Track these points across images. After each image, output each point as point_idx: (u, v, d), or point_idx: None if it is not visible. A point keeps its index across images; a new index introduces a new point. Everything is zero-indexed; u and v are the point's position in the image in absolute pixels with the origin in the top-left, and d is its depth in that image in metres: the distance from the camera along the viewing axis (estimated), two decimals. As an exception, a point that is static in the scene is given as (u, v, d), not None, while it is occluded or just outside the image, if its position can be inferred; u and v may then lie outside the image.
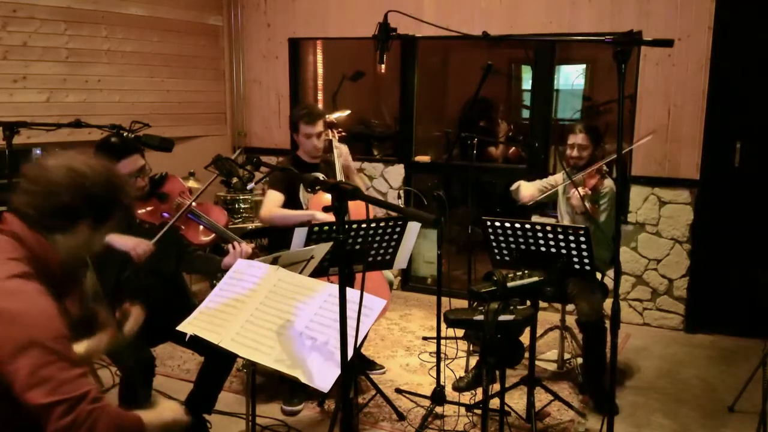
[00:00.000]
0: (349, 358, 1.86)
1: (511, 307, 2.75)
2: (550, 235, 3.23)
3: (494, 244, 3.41)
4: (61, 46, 4.54)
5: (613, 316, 2.38)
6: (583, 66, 7.25)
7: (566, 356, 4.08)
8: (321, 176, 3.54)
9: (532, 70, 5.31)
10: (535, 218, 4.79)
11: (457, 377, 3.87)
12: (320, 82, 6.22)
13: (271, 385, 3.72)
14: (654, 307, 4.88)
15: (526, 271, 2.92)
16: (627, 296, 4.92)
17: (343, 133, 4.06)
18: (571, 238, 3.19)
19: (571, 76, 7.23)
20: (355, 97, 6.53)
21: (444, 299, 3.43)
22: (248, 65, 5.97)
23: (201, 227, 3.09)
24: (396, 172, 5.59)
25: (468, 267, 4.06)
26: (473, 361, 3.97)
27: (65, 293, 1.68)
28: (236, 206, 5.01)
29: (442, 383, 3.47)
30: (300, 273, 2.47)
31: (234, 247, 2.93)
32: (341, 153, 3.86)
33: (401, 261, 3.40)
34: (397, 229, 3.26)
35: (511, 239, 3.34)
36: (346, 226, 3.06)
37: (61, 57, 4.55)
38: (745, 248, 4.57)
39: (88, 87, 4.74)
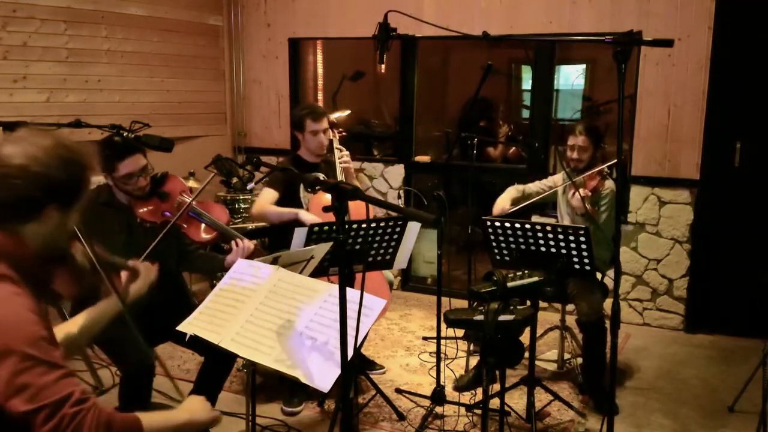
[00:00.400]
0: (349, 358, 1.86)
1: (511, 307, 2.75)
2: (550, 235, 3.23)
3: (494, 244, 3.41)
4: (61, 46, 4.54)
5: (613, 316, 2.38)
6: (583, 66, 7.25)
7: (566, 356, 4.08)
8: (321, 176, 3.54)
9: (532, 70, 5.32)
10: (535, 218, 4.79)
11: (457, 376, 3.88)
12: (320, 82, 6.22)
13: (271, 385, 3.72)
14: (654, 307, 4.88)
15: (526, 271, 2.92)
16: (627, 296, 4.92)
17: (344, 133, 4.06)
18: (571, 238, 3.19)
19: (571, 76, 7.23)
20: (355, 97, 6.53)
21: (444, 299, 3.43)
22: (248, 65, 5.97)
23: (202, 225, 3.09)
24: (396, 172, 5.59)
25: (468, 267, 4.06)
26: (473, 361, 3.97)
27: (49, 279, 1.64)
28: (236, 206, 5.01)
29: (442, 383, 3.47)
30: (300, 273, 2.47)
31: (237, 245, 2.93)
32: (342, 155, 3.86)
33: (401, 261, 3.40)
34: (397, 229, 3.26)
35: (511, 239, 3.34)
36: (346, 226, 3.06)
37: (61, 57, 4.55)
38: (745, 248, 4.57)
39: (88, 87, 4.74)
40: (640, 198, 4.79)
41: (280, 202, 3.69)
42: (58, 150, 1.54)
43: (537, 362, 3.84)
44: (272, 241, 3.92)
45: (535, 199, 3.97)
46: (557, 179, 4.05)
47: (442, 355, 3.55)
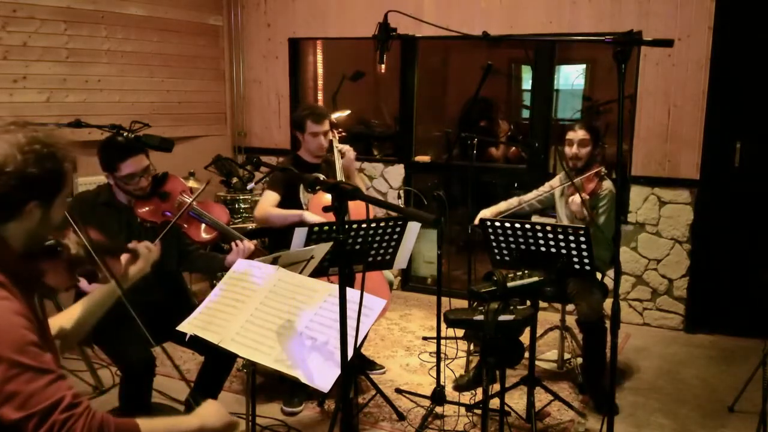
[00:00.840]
0: (349, 358, 1.86)
1: (511, 307, 2.75)
2: (550, 235, 3.23)
3: (494, 244, 3.41)
4: (61, 46, 4.54)
5: (613, 316, 2.38)
6: (583, 66, 7.25)
7: (566, 356, 4.08)
8: (321, 176, 3.54)
9: (532, 70, 5.32)
10: (535, 218, 4.78)
11: (457, 376, 3.88)
12: (320, 82, 6.22)
13: (271, 385, 3.72)
14: (654, 307, 4.88)
15: (526, 271, 2.92)
16: (627, 296, 4.92)
17: (344, 133, 4.06)
18: (571, 238, 3.19)
19: (571, 76, 7.24)
20: (355, 97, 6.53)
21: (444, 299, 3.43)
22: (248, 65, 5.97)
23: (203, 225, 3.09)
24: (396, 172, 5.59)
25: (468, 267, 4.06)
26: (473, 361, 3.97)
27: (38, 274, 1.61)
28: (236, 206, 5.00)
29: (442, 383, 3.47)
30: (300, 273, 2.47)
31: (236, 245, 2.93)
32: (344, 153, 3.85)
33: (401, 261, 3.40)
34: (397, 229, 3.26)
35: (511, 239, 3.34)
36: (346, 226, 3.06)
37: (61, 57, 4.55)
38: (745, 248, 4.57)
39: (88, 87, 4.74)
40: (640, 198, 4.79)
41: (281, 203, 3.69)
42: (32, 146, 1.50)
43: (537, 362, 3.85)
44: (272, 241, 3.91)
45: (532, 200, 3.97)
46: (554, 182, 4.04)
47: (442, 355, 3.55)
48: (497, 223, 3.35)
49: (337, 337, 1.88)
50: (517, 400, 3.56)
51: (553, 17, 4.83)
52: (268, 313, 2.12)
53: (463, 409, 3.45)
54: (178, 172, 3.46)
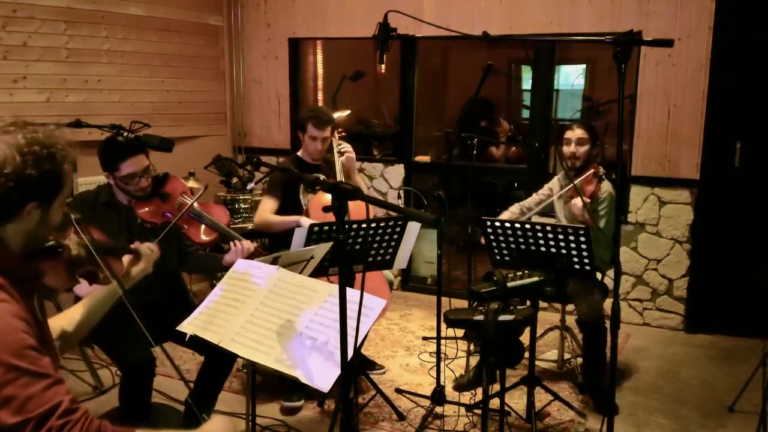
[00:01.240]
0: (349, 358, 1.86)
1: (511, 307, 2.75)
2: (550, 235, 3.23)
3: (494, 244, 3.41)
4: (61, 46, 4.54)
5: (613, 316, 2.38)
6: (583, 66, 7.25)
7: (566, 356, 4.08)
8: (321, 176, 3.54)
9: (532, 70, 5.32)
10: (534, 218, 4.78)
11: (457, 375, 3.88)
12: (320, 82, 6.22)
13: (271, 385, 3.72)
14: (654, 307, 4.88)
15: (526, 271, 2.92)
16: (627, 296, 4.92)
17: (343, 133, 4.06)
18: (571, 238, 3.19)
19: (571, 76, 7.24)
20: (355, 97, 6.53)
21: (444, 299, 3.43)
22: (248, 65, 5.97)
23: (203, 226, 3.08)
24: (396, 172, 5.59)
25: (468, 267, 4.06)
26: (473, 361, 3.97)
27: (38, 275, 1.61)
28: (236, 206, 5.01)
29: (442, 383, 3.47)
30: (300, 273, 2.47)
31: (236, 245, 2.93)
32: (344, 153, 3.85)
33: (401, 261, 3.40)
34: (397, 229, 3.26)
35: (511, 239, 3.34)
36: (346, 226, 3.06)
37: (61, 57, 4.55)
38: (745, 248, 4.57)
39: (88, 87, 4.74)
40: (640, 198, 4.79)
41: (280, 206, 3.69)
42: (31, 147, 1.49)
43: (537, 362, 3.85)
44: (272, 242, 3.92)
45: (536, 210, 3.98)
46: (554, 184, 4.04)
47: (442, 355, 3.55)
48: (497, 223, 3.35)
49: (337, 337, 1.88)
50: (517, 400, 3.56)
51: (553, 17, 4.83)
52: (268, 313, 2.12)
53: (463, 409, 3.45)
54: (178, 172, 3.47)
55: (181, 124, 5.47)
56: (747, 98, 4.48)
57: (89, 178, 4.09)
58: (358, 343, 1.94)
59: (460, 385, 3.73)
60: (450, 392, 3.64)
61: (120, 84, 4.95)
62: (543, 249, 3.28)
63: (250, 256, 2.88)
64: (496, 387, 3.04)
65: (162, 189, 3.03)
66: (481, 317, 2.71)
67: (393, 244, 3.30)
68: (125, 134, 3.10)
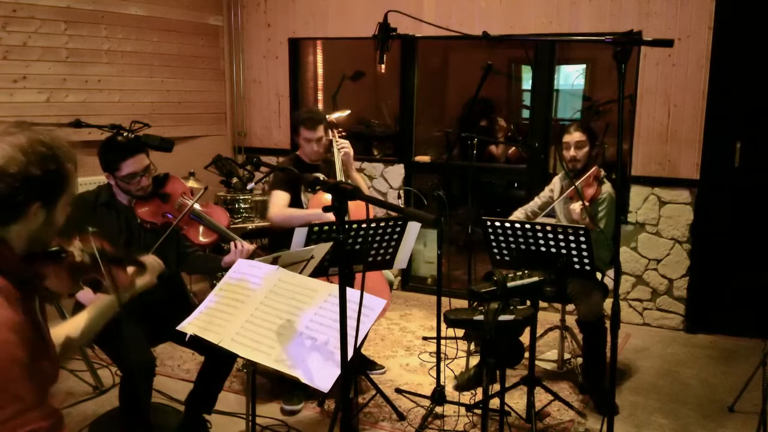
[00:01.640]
0: (349, 358, 1.86)
1: (511, 307, 2.75)
2: (550, 235, 3.23)
3: (494, 244, 3.41)
4: (61, 46, 4.54)
5: (613, 316, 2.38)
6: (583, 66, 7.24)
7: (566, 356, 4.08)
8: (321, 176, 3.54)
9: (532, 70, 5.31)
10: (535, 218, 4.79)
11: (457, 374, 3.88)
12: (320, 82, 6.22)
13: (271, 385, 3.72)
14: (654, 307, 4.88)
15: (526, 271, 2.92)
16: (627, 296, 4.92)
17: (343, 133, 4.06)
18: (571, 238, 3.19)
19: (571, 76, 7.23)
20: (355, 97, 6.53)
21: (444, 299, 3.44)
22: (248, 65, 5.97)
23: (201, 228, 3.08)
24: (396, 172, 5.59)
25: (468, 267, 4.06)
26: (473, 361, 3.97)
27: (39, 278, 1.59)
28: (236, 206, 5.01)
29: (442, 383, 3.47)
30: (300, 273, 2.47)
31: (236, 246, 2.94)
32: (341, 149, 3.85)
33: (401, 261, 3.40)
34: (397, 229, 3.26)
35: (511, 239, 3.34)
36: (346, 226, 3.06)
37: (61, 57, 4.55)
38: (745, 248, 4.57)
39: (88, 87, 4.74)
40: (640, 198, 4.79)
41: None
42: (35, 147, 1.49)
43: (537, 362, 3.85)
44: (272, 241, 3.92)
45: (541, 215, 3.98)
46: (555, 184, 4.03)
47: (442, 355, 3.55)
48: (497, 223, 3.35)
49: (337, 337, 1.88)
50: (517, 400, 3.56)
51: (553, 17, 4.83)
52: (268, 313, 2.12)
53: (463, 409, 3.45)
54: (178, 172, 3.47)
55: (181, 124, 5.47)
56: (747, 98, 4.48)
57: (89, 178, 4.09)
58: (358, 343, 1.94)
59: (460, 386, 3.73)
60: (450, 392, 3.64)
61: (120, 84, 4.95)
62: (543, 249, 3.28)
63: (250, 256, 2.88)
64: (496, 387, 3.04)
65: (162, 189, 3.03)
66: (481, 317, 2.71)
67: (393, 244, 3.30)
68: (125, 134, 3.10)
